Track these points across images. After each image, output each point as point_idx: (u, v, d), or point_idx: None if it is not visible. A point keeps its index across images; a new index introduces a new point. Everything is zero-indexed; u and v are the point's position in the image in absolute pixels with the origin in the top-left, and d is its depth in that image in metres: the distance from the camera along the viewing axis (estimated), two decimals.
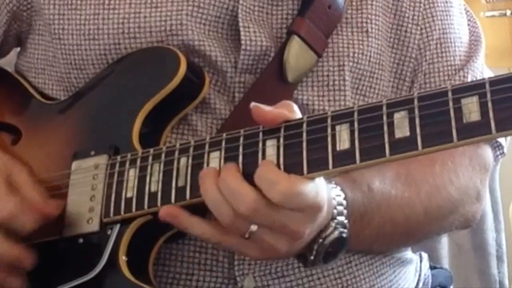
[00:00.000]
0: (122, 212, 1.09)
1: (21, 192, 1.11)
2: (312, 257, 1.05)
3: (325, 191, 1.01)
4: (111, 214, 1.10)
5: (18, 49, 1.36)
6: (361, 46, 1.23)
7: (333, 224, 1.05)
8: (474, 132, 0.90)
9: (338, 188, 1.08)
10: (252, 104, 1.02)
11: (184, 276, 1.17)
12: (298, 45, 1.19)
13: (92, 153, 1.15)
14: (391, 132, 0.94)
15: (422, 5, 1.28)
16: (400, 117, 0.94)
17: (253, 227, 1.00)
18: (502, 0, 2.39)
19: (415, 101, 0.94)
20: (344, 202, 1.07)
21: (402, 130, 0.94)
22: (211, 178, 1.01)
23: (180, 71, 1.15)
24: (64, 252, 1.13)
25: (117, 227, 1.10)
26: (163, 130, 1.17)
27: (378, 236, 1.16)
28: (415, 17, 1.28)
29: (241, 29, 1.19)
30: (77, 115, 1.22)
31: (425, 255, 1.40)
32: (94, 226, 1.11)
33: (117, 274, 1.08)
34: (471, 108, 0.90)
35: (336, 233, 1.05)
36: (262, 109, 1.02)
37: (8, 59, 1.39)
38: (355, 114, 0.97)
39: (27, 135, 1.24)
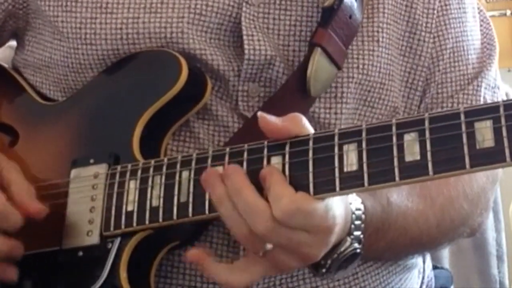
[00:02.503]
0: (122, 226, 1.08)
1: (10, 190, 1.10)
2: (324, 270, 1.04)
3: (339, 211, 0.99)
4: (112, 228, 1.08)
5: (14, 43, 1.34)
6: (371, 57, 1.20)
7: (349, 240, 1.04)
8: (488, 159, 0.88)
9: (359, 200, 1.05)
10: (259, 113, 1.00)
11: None
12: (321, 58, 1.15)
13: (92, 161, 1.13)
14: (401, 156, 0.92)
15: (435, 11, 1.25)
16: (410, 139, 0.92)
17: (269, 246, 0.99)
18: (502, 0, 2.37)
19: (426, 123, 0.92)
20: (363, 217, 1.05)
21: (412, 154, 0.92)
22: (224, 192, 0.99)
23: (181, 77, 1.12)
24: (64, 265, 1.11)
25: (117, 241, 1.08)
26: (164, 137, 1.15)
27: (390, 247, 1.15)
28: (429, 25, 1.25)
29: (245, 37, 1.16)
30: (76, 120, 1.19)
31: (427, 255, 1.39)
32: (94, 239, 1.09)
33: None
34: (485, 134, 0.88)
35: (351, 249, 1.04)
36: (269, 120, 1.00)
37: (6, 55, 1.37)
38: (363, 133, 0.95)
39: (25, 137, 1.22)
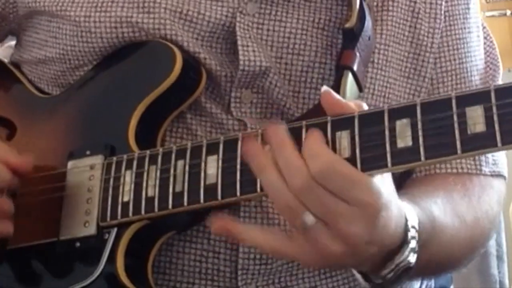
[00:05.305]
0: (119, 217, 1.08)
1: None
2: (380, 281, 1.01)
3: (387, 192, 0.95)
4: (108, 219, 1.09)
5: (13, 43, 1.35)
6: (363, 78, 1.17)
7: (407, 250, 0.99)
8: (479, 144, 0.88)
9: (413, 210, 1.01)
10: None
11: (185, 285, 1.15)
12: (350, 81, 1.13)
13: (88, 152, 1.13)
14: (393, 142, 0.92)
15: (439, 31, 1.23)
16: (402, 125, 0.92)
17: (308, 218, 0.94)
18: (502, 0, 2.37)
19: (418, 109, 0.92)
20: (417, 227, 1.00)
21: (404, 140, 0.91)
22: (265, 156, 0.96)
23: (176, 67, 1.12)
24: (61, 256, 1.11)
25: (114, 231, 1.09)
26: (160, 128, 1.15)
27: (426, 265, 1.08)
28: (434, 45, 1.22)
29: (239, 47, 1.15)
30: (73, 112, 1.20)
31: None
32: (90, 230, 1.10)
33: (114, 281, 1.07)
34: (476, 119, 0.88)
35: (408, 260, 0.99)
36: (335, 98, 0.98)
37: (6, 55, 1.38)
38: (356, 121, 0.95)
39: (22, 130, 1.22)
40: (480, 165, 1.22)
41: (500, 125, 0.87)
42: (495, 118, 0.87)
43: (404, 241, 0.99)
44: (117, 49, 1.17)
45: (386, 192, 0.95)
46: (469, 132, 0.88)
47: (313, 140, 0.94)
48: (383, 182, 0.95)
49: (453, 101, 0.90)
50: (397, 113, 0.93)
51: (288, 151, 0.94)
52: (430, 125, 0.91)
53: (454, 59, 1.24)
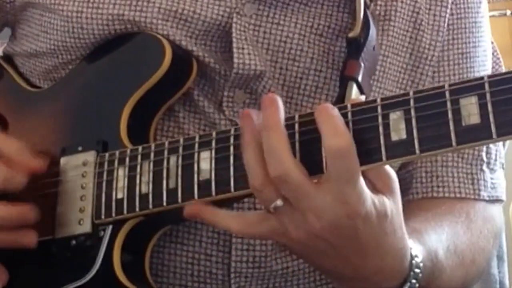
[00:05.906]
0: (113, 214, 1.07)
1: (5, 153, 1.09)
2: None
3: (373, 211, 0.93)
4: (103, 216, 1.08)
5: (5, 43, 1.35)
6: (369, 89, 1.14)
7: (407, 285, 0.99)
8: (474, 135, 0.87)
9: (419, 250, 1.01)
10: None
11: None
12: (355, 92, 1.10)
13: (80, 148, 1.12)
14: (387, 135, 0.91)
15: (440, 44, 1.21)
16: (396, 118, 0.91)
17: (279, 202, 0.93)
18: (502, 0, 2.37)
19: (411, 101, 0.91)
20: (421, 266, 1.00)
21: (398, 133, 0.91)
22: (252, 133, 0.95)
23: (166, 59, 1.11)
24: (57, 255, 1.11)
25: (109, 229, 1.08)
26: (152, 120, 1.15)
27: None
28: (434, 58, 1.20)
29: (235, 50, 1.13)
30: (64, 107, 1.19)
31: None
32: (86, 228, 1.09)
33: (112, 278, 1.06)
34: (470, 110, 0.87)
35: None
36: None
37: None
38: (349, 114, 0.94)
39: (13, 126, 1.22)
40: (479, 189, 1.21)
41: (494, 117, 0.86)
42: (490, 108, 0.86)
43: (407, 281, 0.99)
44: (106, 41, 1.17)
45: (375, 211, 0.93)
46: (463, 124, 0.88)
47: (331, 116, 0.92)
48: (383, 203, 0.93)
49: (447, 93, 0.89)
50: (390, 105, 0.92)
51: (276, 135, 0.93)
52: (424, 118, 0.90)
53: (454, 74, 1.22)
